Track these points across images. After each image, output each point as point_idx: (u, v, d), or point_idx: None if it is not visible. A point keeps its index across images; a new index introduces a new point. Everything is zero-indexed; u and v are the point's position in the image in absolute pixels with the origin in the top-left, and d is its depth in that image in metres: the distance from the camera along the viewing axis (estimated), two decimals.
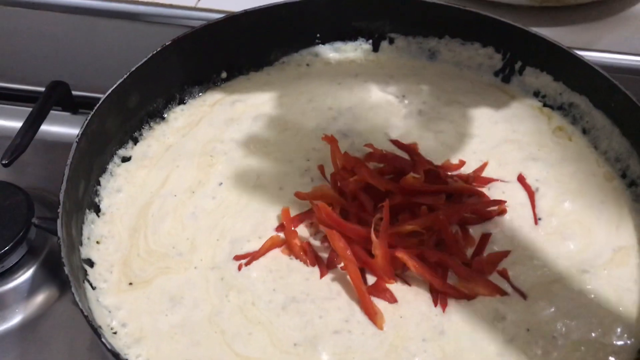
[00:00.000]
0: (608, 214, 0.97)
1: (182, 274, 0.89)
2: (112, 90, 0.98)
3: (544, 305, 0.86)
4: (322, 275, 0.89)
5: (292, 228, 0.93)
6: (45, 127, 1.28)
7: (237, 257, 0.90)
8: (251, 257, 0.90)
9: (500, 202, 0.96)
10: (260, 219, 0.95)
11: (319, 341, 0.82)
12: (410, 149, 1.03)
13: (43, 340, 1.04)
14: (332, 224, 0.90)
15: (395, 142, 1.05)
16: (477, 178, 1.00)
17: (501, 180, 1.00)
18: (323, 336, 0.83)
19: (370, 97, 1.14)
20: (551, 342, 0.82)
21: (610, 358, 0.81)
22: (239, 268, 0.90)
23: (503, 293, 0.87)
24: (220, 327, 0.84)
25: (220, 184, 1.00)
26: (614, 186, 1.01)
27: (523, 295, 0.87)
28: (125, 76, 1.00)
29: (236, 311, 0.85)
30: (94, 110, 0.95)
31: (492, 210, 0.95)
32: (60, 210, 0.82)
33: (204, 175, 1.01)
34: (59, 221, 0.81)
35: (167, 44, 1.05)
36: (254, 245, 0.92)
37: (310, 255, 0.90)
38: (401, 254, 0.86)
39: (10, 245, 1.06)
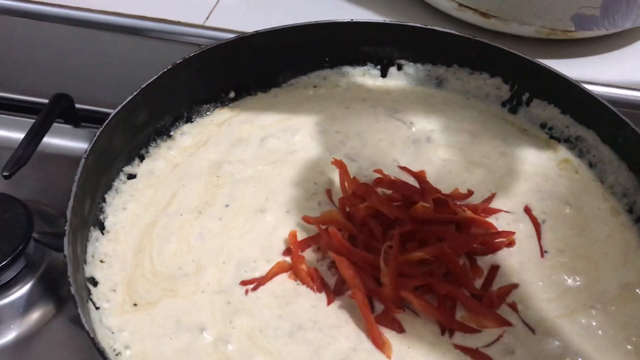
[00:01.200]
0: (614, 249, 0.97)
1: (188, 297, 0.88)
2: (122, 107, 0.97)
3: (552, 340, 0.85)
4: (329, 303, 0.88)
5: (299, 252, 0.92)
6: (46, 140, 1.26)
7: (244, 283, 0.89)
8: (257, 283, 0.89)
9: (509, 234, 0.95)
10: (267, 243, 0.94)
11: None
12: (419, 176, 1.03)
13: (37, 358, 1.02)
14: (341, 250, 0.89)
15: (404, 169, 1.05)
16: (485, 209, 1.00)
17: (508, 212, 1.00)
18: None
19: (377, 122, 1.14)
20: None
21: None
22: (246, 293, 0.88)
23: (509, 324, 0.86)
24: (226, 355, 0.82)
25: (227, 205, 0.99)
26: (621, 221, 1.01)
27: (532, 330, 0.86)
28: (135, 92, 0.99)
29: (243, 338, 0.84)
30: (103, 127, 0.94)
31: (500, 242, 0.95)
32: (67, 227, 0.81)
33: (211, 196, 1.00)
34: (65, 239, 0.79)
35: (178, 61, 1.05)
36: (261, 269, 0.91)
37: (317, 282, 0.89)
38: (406, 294, 0.85)
39: (8, 260, 1.04)
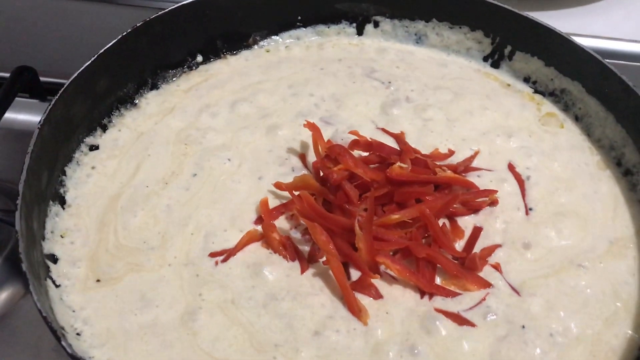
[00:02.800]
0: (603, 204, 0.93)
1: (154, 271, 0.83)
2: (78, 74, 0.92)
3: (539, 301, 0.82)
4: (302, 271, 0.84)
5: (271, 221, 0.87)
6: (10, 115, 1.21)
7: (213, 254, 0.85)
8: (228, 254, 0.85)
9: (491, 192, 0.91)
10: (237, 211, 0.90)
11: (301, 343, 0.77)
12: (398, 137, 0.98)
13: (7, 339, 0.98)
14: (314, 216, 0.84)
15: (383, 130, 1.00)
16: (466, 168, 0.95)
17: (489, 170, 0.96)
18: (305, 337, 0.78)
19: (354, 83, 1.09)
20: (548, 340, 0.78)
21: (610, 355, 0.77)
22: (216, 264, 0.84)
23: (490, 285, 0.82)
24: (194, 328, 0.78)
25: (195, 174, 0.94)
26: (609, 175, 0.97)
27: (516, 291, 0.82)
28: (93, 58, 0.94)
29: (215, 310, 0.80)
30: (58, 95, 0.89)
31: (482, 201, 0.90)
32: (19, 202, 0.76)
33: (178, 166, 0.95)
34: (17, 213, 0.75)
35: (137, 25, 0.99)
36: (231, 239, 0.87)
37: (290, 250, 0.85)
38: (383, 259, 0.81)
39: None
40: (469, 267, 0.84)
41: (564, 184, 0.95)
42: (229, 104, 1.03)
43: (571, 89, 1.04)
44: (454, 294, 0.81)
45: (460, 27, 1.12)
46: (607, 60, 0.99)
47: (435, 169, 0.92)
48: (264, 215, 0.88)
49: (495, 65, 1.12)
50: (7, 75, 1.22)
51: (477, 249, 0.87)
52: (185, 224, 0.88)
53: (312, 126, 0.94)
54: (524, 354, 0.77)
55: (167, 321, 0.78)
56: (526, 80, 1.10)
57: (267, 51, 1.13)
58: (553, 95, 1.07)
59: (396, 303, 0.81)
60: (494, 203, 0.91)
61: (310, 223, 0.83)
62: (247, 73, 1.09)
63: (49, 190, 0.87)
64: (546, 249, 0.88)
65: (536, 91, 1.09)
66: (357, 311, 0.79)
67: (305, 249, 0.86)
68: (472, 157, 0.97)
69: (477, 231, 0.88)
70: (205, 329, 0.78)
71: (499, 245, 0.87)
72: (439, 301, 0.81)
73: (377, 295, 0.81)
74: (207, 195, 0.92)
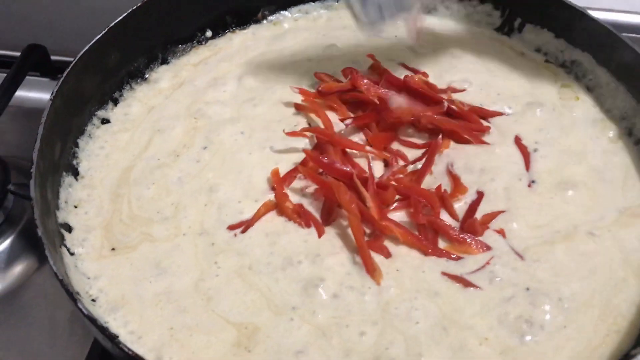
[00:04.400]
0: (613, 174, 0.93)
1: (169, 240, 0.84)
2: (89, 47, 0.93)
3: (545, 266, 0.82)
4: (320, 235, 0.84)
5: (284, 189, 0.88)
6: (22, 93, 1.22)
7: (231, 227, 0.85)
8: (246, 226, 0.85)
9: (485, 129, 0.96)
10: (250, 182, 0.90)
11: (318, 305, 0.78)
12: (418, 72, 1.01)
13: (22, 312, 0.99)
14: (322, 167, 0.87)
15: (403, 65, 1.04)
16: (480, 110, 0.97)
17: (504, 113, 0.98)
18: (322, 299, 0.78)
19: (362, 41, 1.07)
20: (557, 304, 0.78)
21: (619, 320, 0.77)
22: (235, 235, 0.85)
23: (489, 249, 0.83)
24: (209, 294, 0.79)
25: (205, 147, 0.94)
26: (620, 146, 0.96)
27: (520, 256, 0.83)
28: (103, 32, 0.94)
29: (232, 276, 0.80)
30: (69, 68, 0.90)
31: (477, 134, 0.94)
32: (33, 170, 0.77)
33: (189, 139, 0.96)
34: (31, 182, 0.76)
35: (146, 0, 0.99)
36: (245, 210, 0.87)
37: (304, 217, 0.85)
38: (387, 223, 0.82)
39: None
40: (468, 231, 0.84)
41: (574, 155, 0.94)
42: (236, 77, 1.04)
43: (581, 60, 1.04)
44: (457, 258, 0.82)
45: (469, 0, 1.12)
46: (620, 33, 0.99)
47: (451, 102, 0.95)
48: (276, 185, 0.88)
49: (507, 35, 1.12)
50: (17, 53, 1.23)
51: (481, 214, 0.87)
52: (198, 195, 0.89)
53: (302, 92, 0.97)
54: (531, 317, 0.77)
55: (182, 288, 0.79)
56: (537, 51, 1.09)
57: (275, 24, 1.13)
58: (563, 66, 1.07)
59: (404, 262, 0.81)
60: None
61: (336, 182, 0.83)
62: (254, 46, 1.09)
63: (62, 161, 0.88)
64: (551, 216, 0.87)
65: (547, 62, 1.08)
66: (372, 270, 0.80)
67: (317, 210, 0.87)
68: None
69: (479, 196, 0.88)
70: (221, 295, 0.79)
71: (502, 211, 0.87)
72: (443, 263, 0.82)
73: (388, 254, 0.82)
74: (218, 167, 0.92)
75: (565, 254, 0.83)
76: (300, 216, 0.86)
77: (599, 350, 0.75)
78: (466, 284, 0.79)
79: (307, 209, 0.87)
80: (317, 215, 0.86)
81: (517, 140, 0.96)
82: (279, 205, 0.87)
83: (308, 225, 0.85)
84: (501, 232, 0.85)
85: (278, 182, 0.89)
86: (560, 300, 0.79)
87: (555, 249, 0.84)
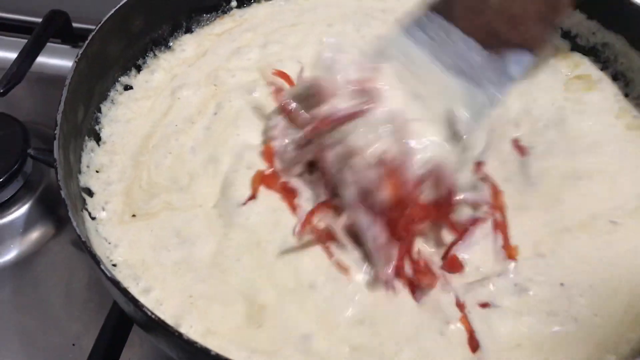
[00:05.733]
0: (630, 162, 0.90)
1: (187, 210, 0.83)
2: (115, 11, 0.91)
3: (568, 257, 0.80)
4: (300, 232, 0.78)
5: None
6: (43, 60, 1.21)
7: (233, 200, 0.83)
8: (247, 199, 0.83)
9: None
10: (244, 148, 0.87)
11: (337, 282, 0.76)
12: None
13: (38, 277, 0.99)
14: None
15: None
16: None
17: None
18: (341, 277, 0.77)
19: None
20: (588, 290, 0.77)
21: None
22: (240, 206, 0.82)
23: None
24: (224, 266, 0.78)
25: (215, 113, 0.92)
26: (637, 135, 0.94)
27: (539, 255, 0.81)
28: None
29: (243, 251, 0.79)
30: (95, 31, 0.88)
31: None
32: (57, 132, 0.76)
33: (204, 106, 0.94)
34: (55, 143, 0.74)
35: None
36: (246, 181, 0.84)
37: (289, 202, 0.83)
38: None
39: (4, 177, 1.00)
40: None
41: (589, 145, 0.91)
42: (259, 45, 1.01)
43: (614, 42, 1.01)
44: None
45: None
46: None
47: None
48: (267, 162, 0.86)
49: None
50: (39, 19, 1.22)
51: None
52: (207, 165, 0.87)
53: (280, 74, 0.91)
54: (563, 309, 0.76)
55: (200, 257, 0.78)
56: (566, 34, 1.07)
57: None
58: (594, 50, 1.04)
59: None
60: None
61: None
62: (280, 17, 1.07)
63: (84, 125, 0.87)
64: (571, 209, 0.85)
65: (575, 47, 1.06)
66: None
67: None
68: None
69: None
70: (237, 267, 0.78)
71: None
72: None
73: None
74: (221, 133, 0.90)
75: (586, 244, 0.81)
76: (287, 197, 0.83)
77: (626, 336, 0.74)
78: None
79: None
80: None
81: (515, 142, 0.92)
82: (271, 185, 0.84)
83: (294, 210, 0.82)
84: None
85: (269, 160, 0.86)
86: (591, 287, 0.77)
87: (575, 238, 0.82)
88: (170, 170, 0.87)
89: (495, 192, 0.85)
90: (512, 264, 0.80)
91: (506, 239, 0.82)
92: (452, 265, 0.79)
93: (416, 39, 0.86)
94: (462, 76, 0.84)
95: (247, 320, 0.74)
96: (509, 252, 0.81)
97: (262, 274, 0.77)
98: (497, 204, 0.85)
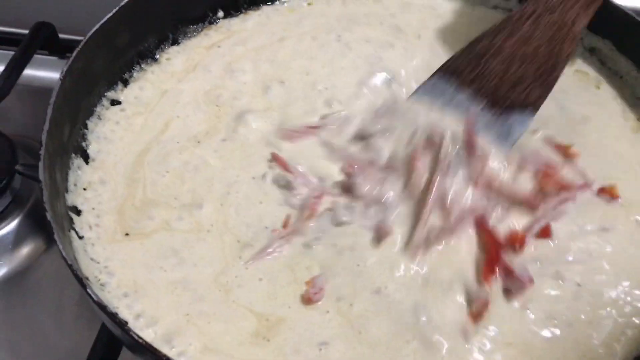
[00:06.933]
0: (637, 162, 0.92)
1: (191, 232, 0.82)
2: (99, 26, 0.90)
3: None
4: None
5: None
6: (30, 72, 1.21)
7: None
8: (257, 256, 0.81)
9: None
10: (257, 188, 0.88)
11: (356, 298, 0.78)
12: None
13: (29, 293, 0.99)
14: None
15: None
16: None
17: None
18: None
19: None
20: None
21: None
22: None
23: None
24: (228, 286, 0.77)
25: (224, 140, 0.92)
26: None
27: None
28: (114, 11, 0.92)
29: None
30: (80, 46, 0.87)
31: None
32: (42, 152, 0.75)
33: (213, 127, 0.93)
34: (40, 164, 0.74)
35: None
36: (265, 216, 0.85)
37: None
38: None
39: None
40: None
41: (592, 148, 0.92)
42: (252, 62, 1.01)
43: (601, 47, 1.02)
44: None
45: None
46: None
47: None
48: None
49: None
50: (25, 31, 1.21)
51: None
52: (211, 186, 0.86)
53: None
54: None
55: (200, 279, 0.78)
56: None
57: (288, 7, 1.10)
58: (582, 56, 1.04)
59: None
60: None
61: None
62: (268, 30, 1.07)
63: (71, 142, 0.87)
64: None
65: None
66: None
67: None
68: None
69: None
70: (245, 287, 0.78)
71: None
72: None
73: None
74: (237, 161, 0.90)
75: (619, 243, 0.84)
76: None
77: None
78: None
79: None
80: None
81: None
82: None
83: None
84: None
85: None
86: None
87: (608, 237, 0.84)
88: (167, 188, 0.86)
89: None
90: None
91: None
92: (545, 233, 0.83)
93: (424, 102, 0.90)
94: None
95: (253, 336, 0.74)
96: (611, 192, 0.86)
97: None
98: None
